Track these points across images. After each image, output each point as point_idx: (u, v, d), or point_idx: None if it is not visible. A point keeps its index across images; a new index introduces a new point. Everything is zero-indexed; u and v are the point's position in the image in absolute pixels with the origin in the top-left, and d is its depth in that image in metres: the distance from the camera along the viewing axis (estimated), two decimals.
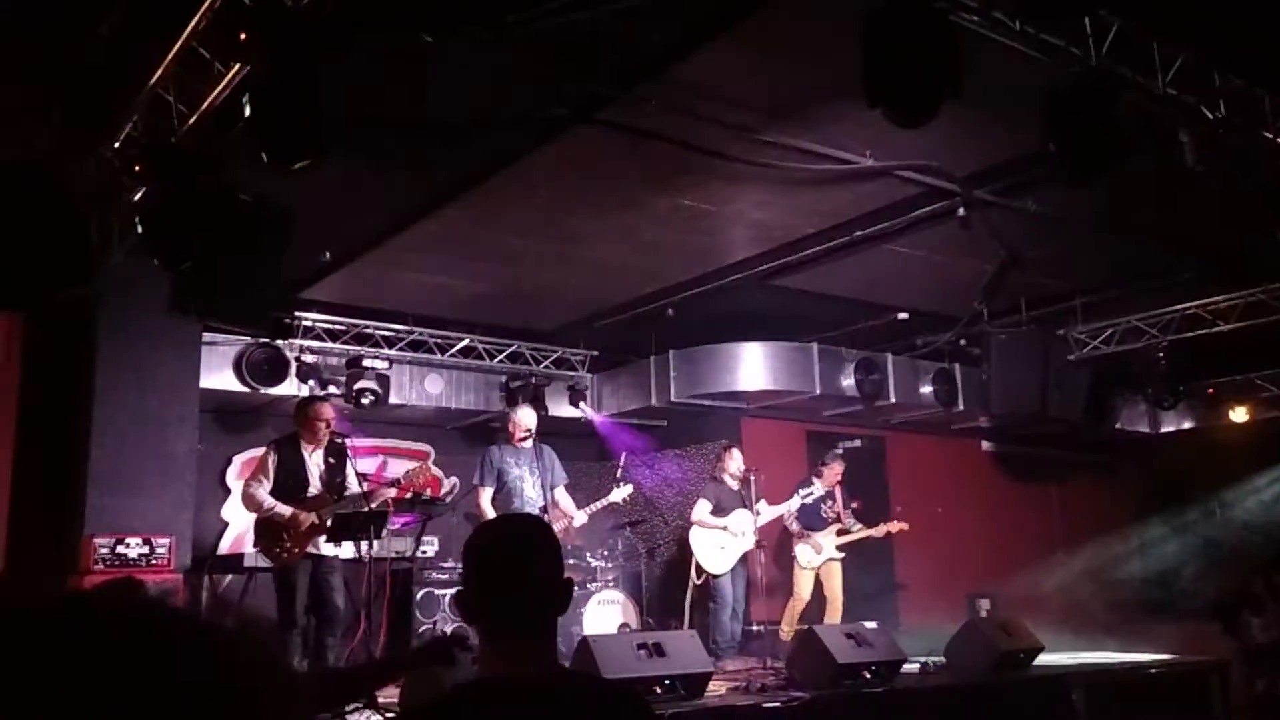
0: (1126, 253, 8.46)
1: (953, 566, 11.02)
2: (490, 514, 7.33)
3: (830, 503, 9.11)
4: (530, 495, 7.39)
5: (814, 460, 10.32)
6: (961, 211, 7.15)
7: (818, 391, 9.93)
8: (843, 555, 9.09)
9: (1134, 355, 10.22)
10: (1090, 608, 10.57)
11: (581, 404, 10.56)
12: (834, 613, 8.87)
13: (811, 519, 9.04)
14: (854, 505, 9.35)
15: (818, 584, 9.04)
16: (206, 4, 4.40)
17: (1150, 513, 12.91)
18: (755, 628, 9.02)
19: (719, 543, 8.59)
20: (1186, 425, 12.54)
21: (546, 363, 10.46)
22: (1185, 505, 12.78)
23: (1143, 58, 5.15)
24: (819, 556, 8.98)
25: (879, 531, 9.17)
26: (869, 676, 6.15)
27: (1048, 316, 9.85)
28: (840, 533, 9.07)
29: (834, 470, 9.13)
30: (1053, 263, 8.58)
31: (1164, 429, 12.73)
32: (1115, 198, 6.88)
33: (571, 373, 10.66)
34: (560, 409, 10.45)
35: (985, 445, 12.66)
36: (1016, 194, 7.09)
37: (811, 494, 8.92)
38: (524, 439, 7.50)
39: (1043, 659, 7.15)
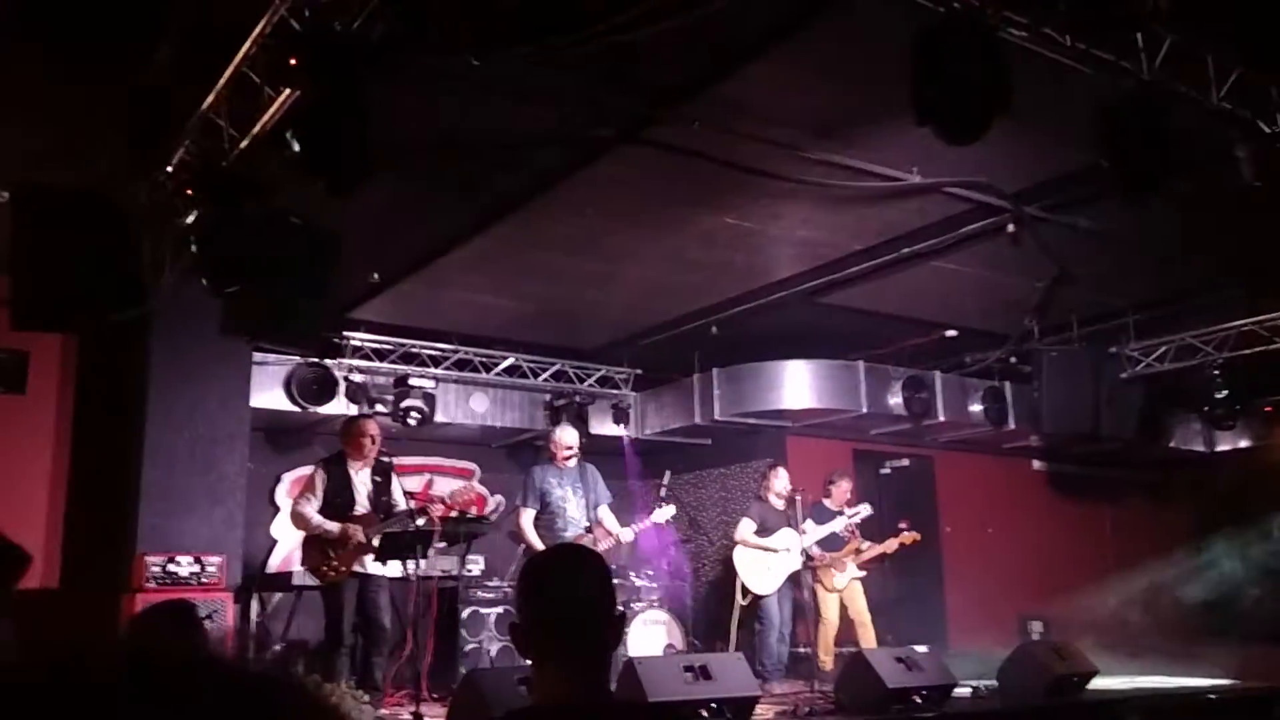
0: (1181, 268, 8.31)
1: (1004, 588, 10.85)
2: (532, 534, 7.32)
3: (829, 522, 8.96)
4: (574, 515, 7.36)
5: (862, 479, 10.20)
6: (1011, 228, 7.06)
7: (864, 410, 9.84)
8: (864, 574, 8.97)
9: (1188, 373, 10.02)
10: (1146, 630, 10.35)
11: (624, 424, 10.56)
12: (866, 633, 8.72)
13: (831, 541, 8.89)
14: (902, 525, 9.21)
15: (842, 606, 8.90)
16: (257, 30, 4.47)
17: (1206, 533, 12.62)
18: (802, 650, 8.92)
19: (764, 563, 8.51)
20: (1243, 444, 12.27)
21: (590, 381, 10.47)
22: (1243, 525, 12.48)
23: (1197, 71, 5.06)
24: (843, 577, 8.84)
25: (891, 546, 9.02)
26: (919, 701, 6.05)
27: (1100, 333, 9.69)
28: (856, 551, 8.94)
29: (842, 489, 8.99)
30: (1105, 279, 8.45)
31: (1219, 448, 12.46)
32: (1169, 213, 6.76)
33: (615, 391, 10.67)
34: (604, 427, 10.46)
35: (1036, 464, 12.47)
36: (1068, 210, 7.00)
37: (858, 514, 8.81)
38: (567, 458, 7.49)
39: (1097, 683, 6.99)
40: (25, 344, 7.44)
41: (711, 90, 5.48)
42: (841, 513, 8.85)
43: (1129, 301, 9.31)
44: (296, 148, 4.16)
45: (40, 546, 7.42)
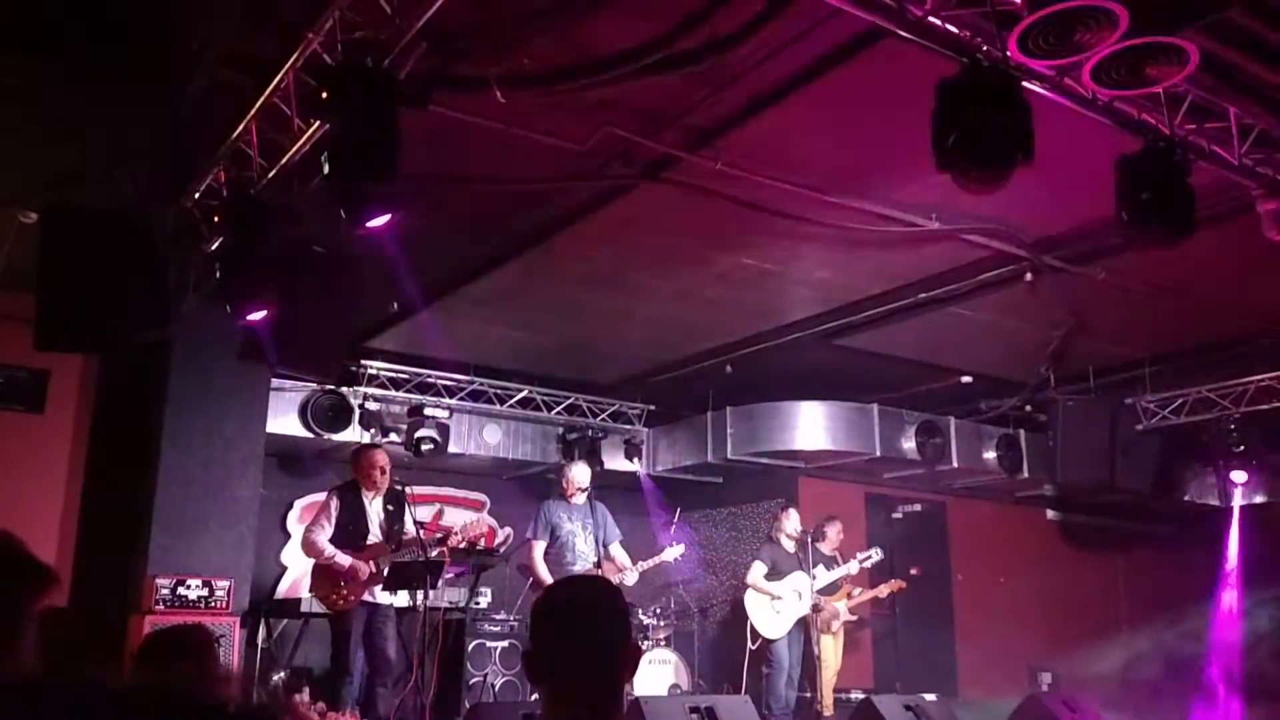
0: (1198, 322, 8.29)
1: (1014, 638, 10.75)
2: (541, 567, 7.37)
3: (837, 567, 8.89)
4: (583, 550, 7.39)
5: (873, 523, 10.14)
6: (1029, 277, 7.07)
7: (877, 453, 9.81)
8: (855, 618, 8.90)
9: (1205, 426, 9.96)
10: (1156, 684, 10.24)
11: (636, 459, 10.54)
12: (830, 674, 8.72)
13: (824, 585, 8.80)
14: (913, 572, 9.16)
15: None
16: (290, 62, 4.54)
17: (1220, 588, 12.49)
18: (808, 694, 8.85)
19: (774, 606, 8.46)
20: (1259, 499, 12.15)
21: (603, 416, 10.48)
22: (1257, 581, 12.34)
23: (1219, 126, 5.08)
24: (838, 621, 8.78)
25: (882, 591, 8.96)
26: None
27: (1116, 384, 9.66)
28: (848, 595, 8.87)
29: (836, 530, 8.93)
30: (1122, 330, 8.44)
31: (1235, 503, 12.34)
32: (1189, 267, 6.77)
33: (628, 426, 10.66)
34: (616, 462, 10.45)
35: (1050, 514, 12.38)
36: (1086, 260, 7.01)
37: (870, 558, 8.76)
38: (577, 495, 7.52)
39: None
40: (46, 364, 7.50)
41: (733, 132, 5.53)
42: (854, 557, 8.80)
43: (1146, 353, 9.29)
44: (326, 180, 4.21)
45: (51, 565, 7.43)
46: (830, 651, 8.71)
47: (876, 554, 8.84)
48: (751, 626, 8.50)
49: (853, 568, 8.74)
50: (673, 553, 7.81)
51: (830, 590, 8.71)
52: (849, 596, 8.84)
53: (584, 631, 1.95)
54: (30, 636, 1.36)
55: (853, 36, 4.65)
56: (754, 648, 8.52)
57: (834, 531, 8.89)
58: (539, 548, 7.43)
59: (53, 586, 1.41)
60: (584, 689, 1.90)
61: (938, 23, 4.18)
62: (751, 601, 8.55)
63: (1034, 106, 4.22)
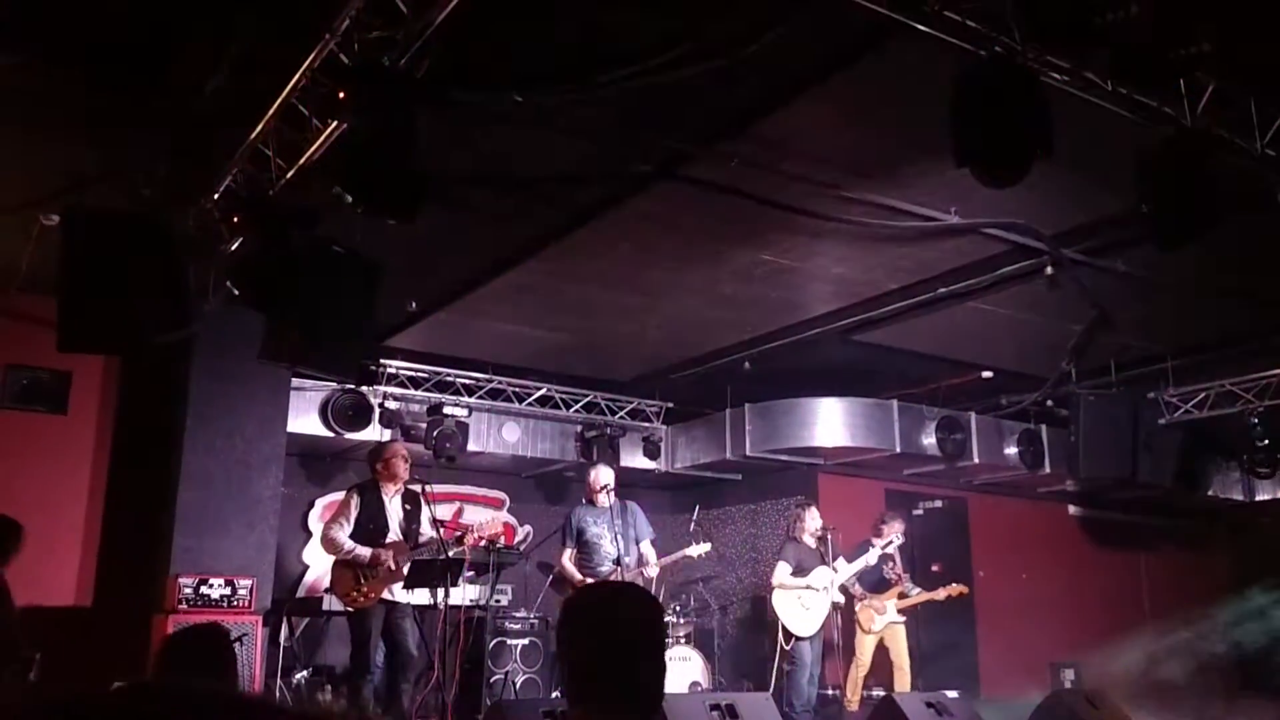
0: (1220, 315, 8.22)
1: (1037, 634, 10.69)
2: (572, 570, 7.48)
3: (891, 564, 8.85)
4: (609, 550, 7.45)
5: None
6: (1049, 270, 7.03)
7: (898, 449, 9.77)
8: (904, 619, 8.82)
9: (1227, 420, 9.88)
10: (1180, 681, 10.15)
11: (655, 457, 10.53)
12: (902, 678, 8.59)
13: (874, 581, 8.78)
14: (935, 569, 9.10)
15: (880, 649, 8.76)
16: (307, 62, 4.55)
17: (1245, 584, 12.39)
18: (830, 691, 8.82)
19: (803, 604, 8.41)
20: None
21: (622, 413, 10.49)
22: None
23: (1240, 118, 5.04)
24: (881, 619, 8.71)
25: (940, 595, 8.89)
26: None
27: (1138, 378, 9.58)
28: (900, 595, 8.81)
29: (893, 529, 8.88)
30: (1143, 324, 8.37)
31: (1259, 497, 12.26)
32: (1209, 259, 6.71)
33: (646, 424, 10.67)
34: (635, 460, 10.45)
35: (1072, 510, 12.31)
36: (1106, 254, 6.95)
37: (891, 543, 8.70)
38: (603, 495, 7.55)
39: None
40: (68, 365, 7.56)
41: (750, 128, 5.51)
42: (872, 545, 8.74)
43: (1168, 347, 9.21)
44: (343, 179, 4.22)
45: (75, 566, 7.52)
46: (867, 650, 8.66)
47: (897, 539, 8.77)
48: (784, 627, 8.38)
49: (872, 557, 8.66)
50: (698, 549, 7.81)
51: (880, 588, 8.68)
52: (900, 597, 8.78)
53: (603, 643, 1.92)
54: (7, 597, 1.36)
55: (869, 31, 4.63)
56: (788, 648, 8.39)
57: (896, 527, 8.83)
58: (567, 554, 7.58)
59: (20, 539, 1.40)
60: (607, 702, 1.87)
61: (955, 16, 4.15)
62: (780, 602, 8.46)
63: (1053, 99, 4.19)
